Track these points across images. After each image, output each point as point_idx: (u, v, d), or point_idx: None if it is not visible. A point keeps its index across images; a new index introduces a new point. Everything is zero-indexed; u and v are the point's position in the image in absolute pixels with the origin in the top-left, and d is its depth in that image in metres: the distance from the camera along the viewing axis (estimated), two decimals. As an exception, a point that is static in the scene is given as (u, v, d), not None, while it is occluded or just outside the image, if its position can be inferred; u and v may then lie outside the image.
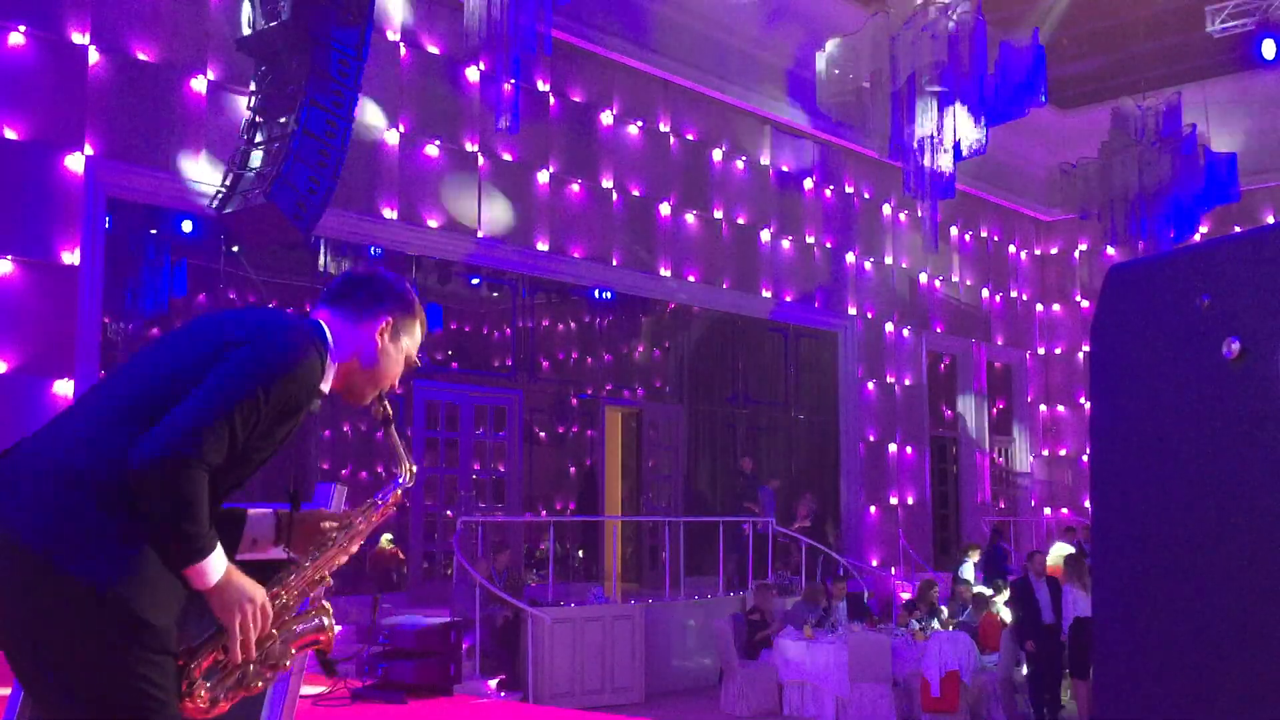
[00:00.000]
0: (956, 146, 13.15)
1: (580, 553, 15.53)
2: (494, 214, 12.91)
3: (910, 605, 12.96)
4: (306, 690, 6.13)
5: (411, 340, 2.64)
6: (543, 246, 13.37)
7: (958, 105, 12.89)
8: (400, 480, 2.68)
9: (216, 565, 2.25)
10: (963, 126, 12.92)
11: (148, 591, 2.18)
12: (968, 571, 14.59)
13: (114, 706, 2.15)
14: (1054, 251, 21.48)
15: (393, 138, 12.04)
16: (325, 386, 2.51)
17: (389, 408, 2.69)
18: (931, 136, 13.11)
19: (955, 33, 12.84)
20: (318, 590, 2.55)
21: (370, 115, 11.66)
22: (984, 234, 20.22)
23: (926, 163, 13.18)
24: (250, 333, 2.35)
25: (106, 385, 2.43)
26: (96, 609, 2.13)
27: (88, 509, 2.17)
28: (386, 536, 14.38)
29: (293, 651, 2.47)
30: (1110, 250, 18.48)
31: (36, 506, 2.18)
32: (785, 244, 16.45)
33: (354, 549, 2.60)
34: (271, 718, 3.75)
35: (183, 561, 2.21)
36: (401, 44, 12.19)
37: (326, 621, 2.53)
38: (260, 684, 2.40)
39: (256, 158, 9.51)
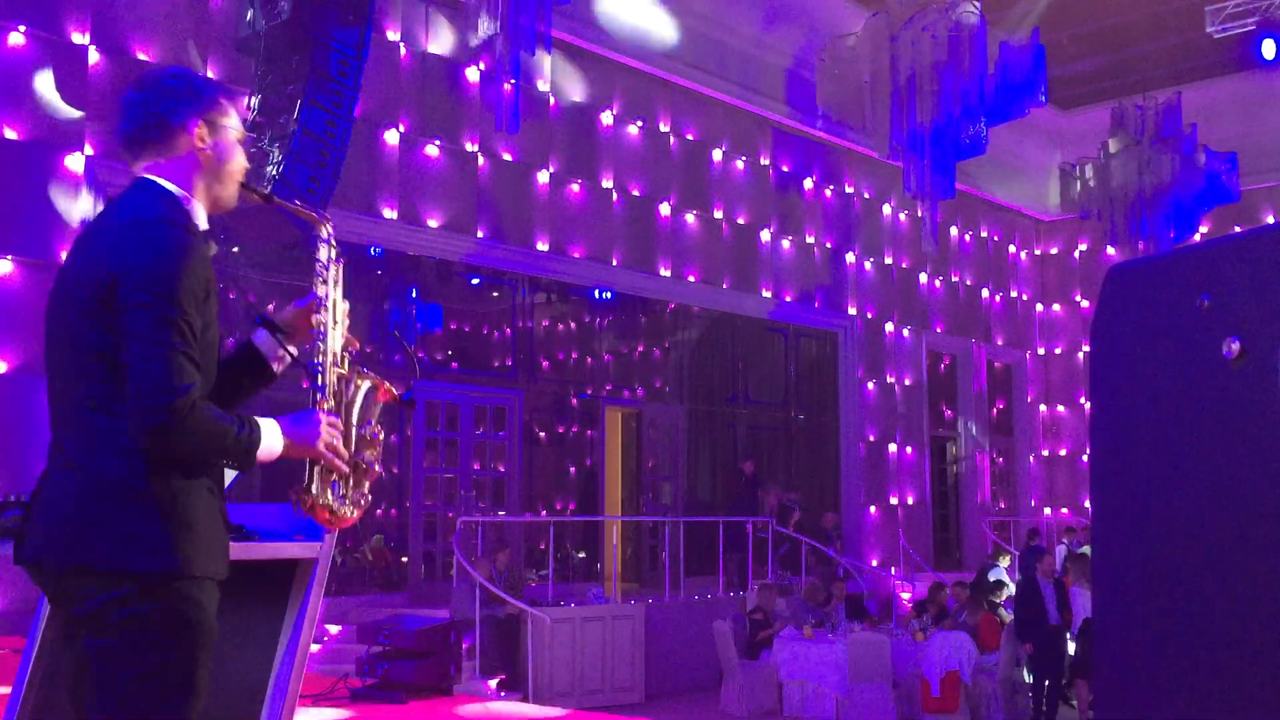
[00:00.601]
0: (957, 146, 13.15)
1: (580, 554, 15.52)
2: (494, 214, 12.91)
3: (920, 606, 12.96)
4: (306, 690, 6.13)
5: (229, 118, 2.51)
6: (543, 246, 13.37)
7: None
8: (324, 237, 2.64)
9: (272, 439, 2.35)
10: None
11: (201, 555, 2.29)
12: (1000, 574, 14.50)
13: (169, 695, 2.27)
14: (1054, 251, 21.48)
15: (393, 138, 12.04)
16: (202, 223, 2.45)
17: (259, 189, 2.66)
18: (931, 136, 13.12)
19: (955, 33, 12.84)
20: (347, 373, 2.61)
21: (370, 115, 11.65)
22: (984, 234, 20.22)
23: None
24: (121, 253, 2.27)
25: (51, 387, 2.41)
26: (165, 591, 2.24)
27: (107, 510, 2.24)
28: (378, 536, 14.36)
29: (373, 423, 2.60)
30: (1110, 250, 18.47)
31: (64, 529, 2.26)
32: (785, 244, 16.45)
33: (341, 318, 2.62)
34: (271, 717, 3.75)
35: (248, 462, 2.32)
36: (401, 44, 12.19)
37: (372, 382, 2.62)
38: (377, 466, 2.58)
39: (256, 157, 9.50)
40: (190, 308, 2.24)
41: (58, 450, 2.35)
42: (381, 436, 2.62)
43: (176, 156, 2.44)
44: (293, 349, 2.64)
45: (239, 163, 2.53)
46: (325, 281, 2.62)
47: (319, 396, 2.53)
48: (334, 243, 2.67)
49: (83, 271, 2.33)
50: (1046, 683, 10.88)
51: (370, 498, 2.59)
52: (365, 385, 2.61)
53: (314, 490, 2.49)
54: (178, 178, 2.43)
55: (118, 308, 2.24)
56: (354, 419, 2.57)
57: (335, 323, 2.60)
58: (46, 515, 2.30)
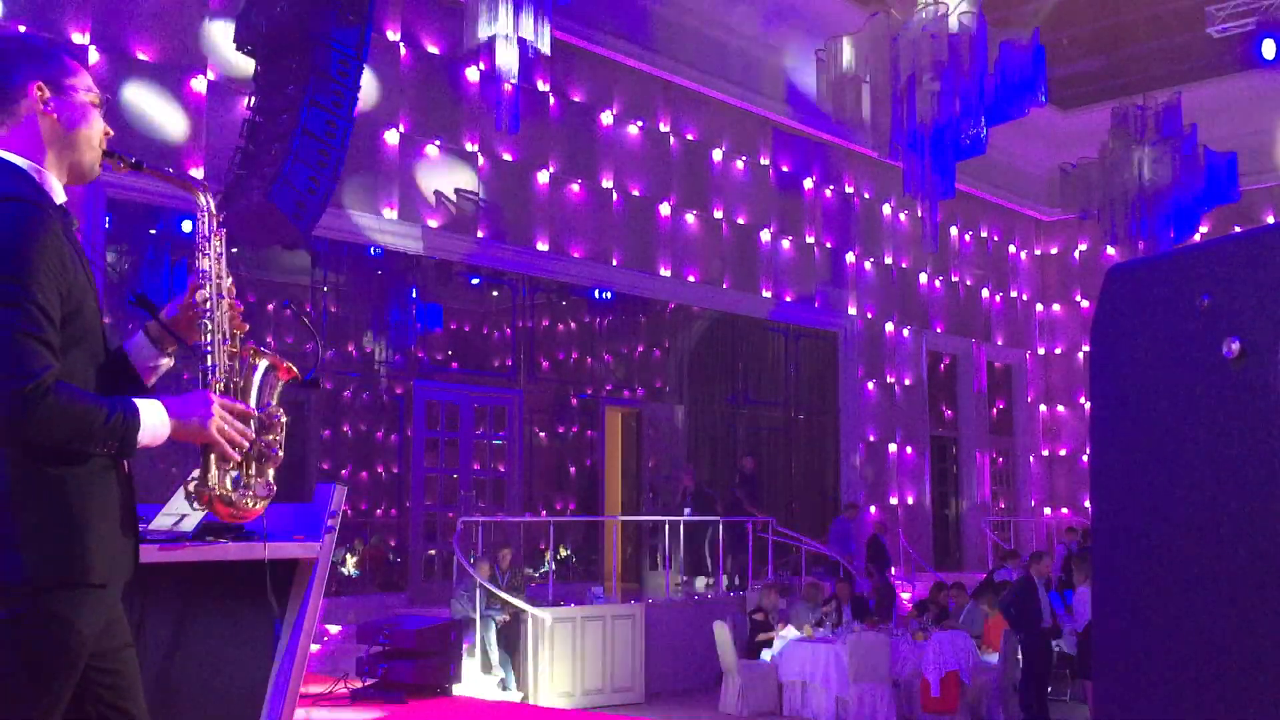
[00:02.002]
0: (956, 146, 13.15)
1: (569, 555, 15.51)
2: (494, 214, 12.91)
3: (921, 606, 12.95)
4: (307, 690, 6.13)
5: (78, 79, 2.26)
6: (543, 246, 13.38)
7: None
8: (202, 206, 2.45)
9: (156, 418, 2.15)
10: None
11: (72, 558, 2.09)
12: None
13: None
14: (1054, 251, 21.48)
15: (393, 138, 12.04)
16: (59, 196, 2.24)
17: (127, 157, 2.41)
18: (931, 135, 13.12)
19: (955, 33, 12.84)
20: (239, 350, 2.43)
21: (370, 115, 11.65)
22: (984, 234, 20.22)
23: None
24: None
25: None
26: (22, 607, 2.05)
27: None
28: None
29: (273, 404, 2.42)
30: (1110, 250, 18.47)
31: None
32: (785, 244, 16.45)
33: (228, 287, 2.42)
34: (271, 717, 3.75)
35: (128, 447, 2.11)
36: (401, 44, 12.19)
37: (269, 360, 2.45)
38: (278, 450, 2.40)
39: (256, 157, 9.50)
40: (42, 288, 2.03)
41: None
42: (284, 418, 2.42)
43: (17, 124, 2.21)
44: (186, 340, 2.43)
45: (94, 127, 2.29)
46: (205, 255, 2.42)
47: (209, 378, 2.33)
48: (213, 211, 2.47)
49: None
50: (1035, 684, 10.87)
51: (275, 487, 2.39)
52: (263, 364, 2.43)
53: (210, 480, 2.29)
54: (22, 148, 2.20)
55: None
56: (251, 400, 2.38)
57: (221, 297, 2.40)
58: None
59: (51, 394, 2.01)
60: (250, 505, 2.34)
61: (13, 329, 2.00)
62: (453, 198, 12.47)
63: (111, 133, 2.37)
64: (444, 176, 12.55)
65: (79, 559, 2.09)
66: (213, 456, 2.28)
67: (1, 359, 1.98)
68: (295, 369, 2.50)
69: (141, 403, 2.15)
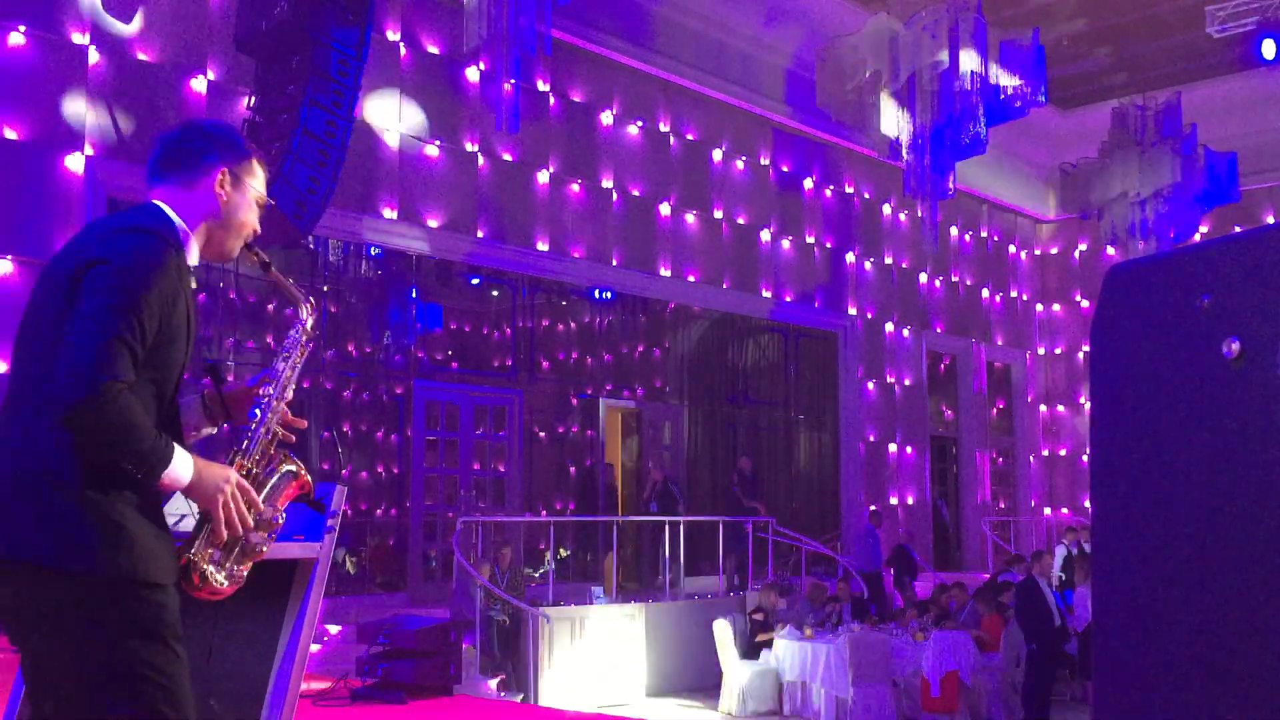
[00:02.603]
0: (957, 146, 13.15)
1: (574, 556, 15.52)
2: (494, 214, 12.91)
3: (923, 607, 12.93)
4: (306, 689, 6.13)
5: (254, 179, 2.58)
6: (543, 246, 13.37)
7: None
8: (303, 319, 2.69)
9: (183, 466, 2.28)
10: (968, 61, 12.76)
11: (143, 557, 2.23)
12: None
13: (126, 692, 2.20)
14: (1054, 251, 21.48)
15: (393, 138, 12.04)
16: (193, 259, 2.48)
17: (262, 254, 2.68)
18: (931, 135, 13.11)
19: (955, 33, 12.84)
20: (272, 449, 2.59)
21: (370, 115, 11.65)
22: (984, 234, 20.22)
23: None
24: (102, 247, 2.29)
25: (11, 369, 2.42)
26: (104, 593, 2.19)
27: (48, 500, 2.20)
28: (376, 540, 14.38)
29: (280, 508, 2.55)
30: (1110, 250, 18.48)
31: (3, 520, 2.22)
32: (785, 244, 16.45)
33: (289, 396, 2.62)
34: (271, 717, 3.75)
35: (150, 476, 2.23)
36: (401, 44, 12.19)
37: (295, 468, 2.59)
38: (264, 548, 2.50)
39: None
40: (147, 307, 2.23)
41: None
42: (280, 522, 2.55)
43: (190, 192, 2.50)
44: (234, 421, 2.62)
45: (249, 222, 2.57)
46: (286, 360, 2.64)
47: (240, 458, 2.49)
48: (310, 329, 2.69)
49: (62, 263, 2.35)
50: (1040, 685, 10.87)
51: (244, 580, 2.47)
52: (285, 469, 2.57)
53: (195, 548, 2.37)
54: (185, 212, 2.48)
55: (88, 278, 2.24)
56: (262, 495, 2.50)
57: (280, 401, 2.58)
58: None
59: (119, 398, 2.16)
60: (221, 585, 2.42)
61: (115, 332, 2.18)
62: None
63: (259, 232, 2.61)
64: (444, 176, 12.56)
65: (119, 553, 2.21)
66: (206, 527, 2.38)
67: (95, 353, 2.15)
68: (310, 486, 2.65)
69: (178, 448, 2.29)
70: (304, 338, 2.67)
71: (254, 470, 2.51)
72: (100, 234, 2.34)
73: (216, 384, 2.62)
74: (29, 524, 2.19)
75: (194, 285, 2.43)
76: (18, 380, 2.33)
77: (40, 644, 2.24)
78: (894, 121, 13.27)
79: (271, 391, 2.58)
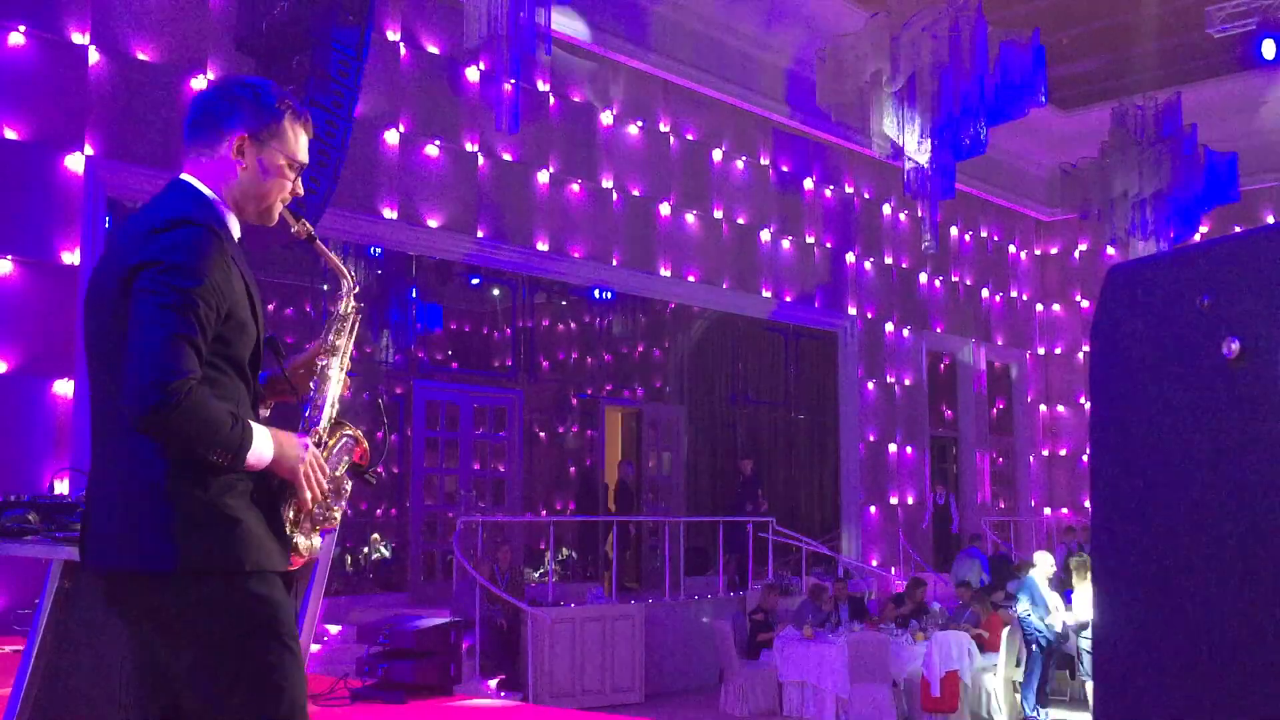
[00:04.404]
0: (957, 145, 13.15)
1: (572, 552, 15.52)
2: (494, 214, 12.91)
3: (898, 599, 12.93)
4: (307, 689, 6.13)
5: (282, 141, 2.50)
6: (543, 246, 13.37)
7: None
8: (344, 292, 2.72)
9: (264, 446, 2.31)
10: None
11: (256, 548, 2.30)
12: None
13: (254, 688, 2.27)
14: (1054, 251, 21.48)
15: (393, 138, 12.04)
16: (236, 231, 2.47)
17: (307, 224, 2.68)
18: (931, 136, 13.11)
19: (955, 33, 12.83)
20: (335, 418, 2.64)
21: (370, 115, 11.65)
22: (984, 234, 20.22)
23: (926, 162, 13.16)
24: (146, 248, 2.28)
25: (93, 386, 2.44)
26: (224, 590, 2.26)
27: (155, 508, 2.25)
28: (374, 536, 14.38)
29: (344, 474, 2.59)
30: (1110, 250, 18.47)
31: (107, 532, 2.30)
32: (785, 244, 16.45)
33: (349, 365, 2.67)
34: (271, 718, 3.74)
35: (237, 462, 2.26)
36: (401, 44, 12.19)
37: (354, 434, 2.63)
38: (337, 514, 2.55)
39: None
40: (204, 299, 2.24)
41: (99, 449, 2.37)
42: (348, 488, 2.59)
43: (214, 160, 2.46)
44: (298, 393, 2.66)
45: (277, 188, 2.52)
46: (341, 333, 2.67)
47: (311, 428, 2.54)
48: (355, 300, 2.73)
49: (109, 270, 2.35)
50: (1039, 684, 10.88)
51: (319, 546, 2.53)
52: (347, 433, 2.62)
53: (290, 521, 2.45)
54: (213, 181, 2.46)
55: (132, 300, 2.25)
56: (329, 459, 2.56)
57: (341, 370, 2.64)
58: (96, 518, 2.34)
59: (190, 395, 2.18)
60: (303, 549, 2.48)
61: (173, 330, 2.19)
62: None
63: (301, 192, 2.58)
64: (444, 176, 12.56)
65: (231, 549, 2.27)
66: (290, 497, 2.43)
67: (157, 355, 2.17)
68: (368, 453, 2.67)
69: (256, 426, 2.31)
70: (350, 309, 2.69)
71: (324, 439, 2.55)
72: (143, 232, 2.32)
73: (278, 359, 2.62)
74: (146, 534, 2.24)
75: (244, 254, 2.44)
76: (99, 397, 2.37)
77: (165, 648, 2.29)
78: (894, 121, 13.27)
79: (330, 362, 2.62)
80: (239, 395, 2.35)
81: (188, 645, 2.26)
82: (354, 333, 2.70)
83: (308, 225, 2.68)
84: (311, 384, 2.62)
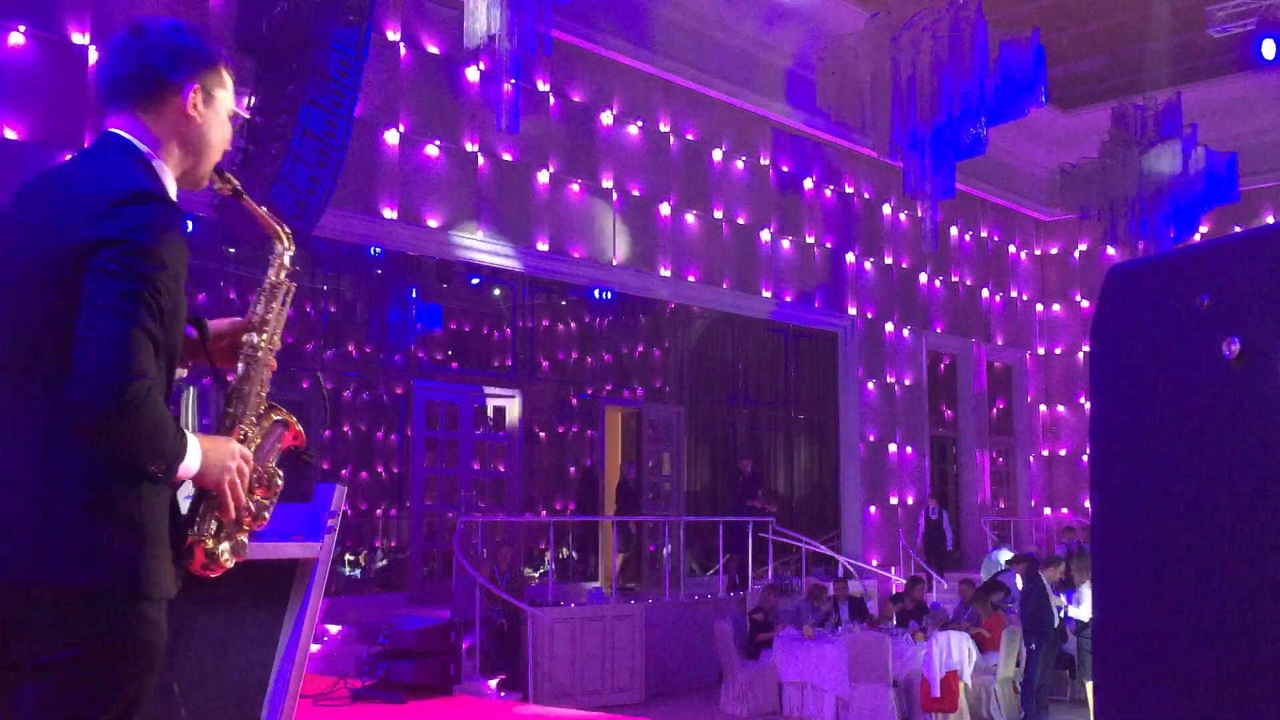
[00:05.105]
0: (957, 146, 13.15)
1: (574, 553, 15.52)
2: (496, 214, 12.91)
3: (896, 598, 12.93)
4: (307, 690, 6.13)
5: (225, 90, 2.28)
6: (543, 246, 13.38)
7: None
8: (277, 253, 2.46)
9: (193, 457, 2.11)
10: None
11: (159, 570, 2.09)
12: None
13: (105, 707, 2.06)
14: (1054, 251, 21.48)
15: (393, 138, 12.04)
16: (173, 193, 2.22)
17: (233, 179, 2.42)
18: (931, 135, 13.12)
19: (955, 33, 12.84)
20: (264, 402, 2.41)
21: (370, 115, 11.65)
22: (984, 234, 20.22)
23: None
24: (107, 223, 2.02)
25: None
26: (116, 609, 2.05)
27: (71, 517, 2.02)
28: (377, 546, 14.39)
29: (275, 466, 2.38)
30: (1110, 250, 18.47)
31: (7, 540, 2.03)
32: (785, 244, 16.46)
33: (278, 344, 2.42)
34: (271, 718, 3.75)
35: (170, 474, 2.07)
36: (401, 44, 12.19)
37: (285, 418, 2.42)
38: (267, 513, 2.34)
39: (256, 157, 9.50)
40: (166, 291, 2.03)
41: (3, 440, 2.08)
42: (279, 482, 2.36)
43: (159, 115, 2.22)
44: (219, 367, 2.41)
45: (222, 140, 2.32)
46: (269, 302, 2.42)
47: (235, 425, 2.32)
48: (288, 262, 2.47)
49: (43, 235, 2.08)
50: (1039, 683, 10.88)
51: (249, 547, 2.32)
52: (275, 419, 2.40)
53: (196, 526, 2.22)
54: (152, 140, 2.21)
55: (89, 276, 2.00)
56: (257, 453, 2.34)
57: (270, 349, 2.40)
58: None
59: (152, 398, 1.99)
60: (225, 560, 2.27)
61: (137, 322, 1.98)
62: None
63: (230, 148, 2.37)
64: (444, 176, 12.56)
65: (147, 572, 2.07)
66: (205, 503, 2.23)
67: (122, 351, 1.95)
68: (303, 436, 2.46)
69: (187, 434, 2.11)
70: (283, 278, 2.44)
71: (249, 433, 2.34)
72: (98, 202, 2.05)
73: (202, 337, 2.38)
74: (53, 544, 2.00)
75: (186, 233, 2.19)
76: (4, 382, 2.08)
77: (30, 663, 2.03)
78: (894, 121, 13.27)
79: (258, 340, 2.38)
80: (166, 396, 2.10)
81: (59, 665, 2.01)
82: (286, 305, 2.44)
83: (233, 180, 2.43)
84: (239, 366, 2.37)
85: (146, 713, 2.11)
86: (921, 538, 17.20)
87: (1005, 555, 14.82)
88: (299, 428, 2.45)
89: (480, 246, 12.82)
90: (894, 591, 14.01)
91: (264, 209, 2.51)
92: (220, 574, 2.28)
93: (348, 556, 13.54)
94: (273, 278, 2.44)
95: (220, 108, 2.29)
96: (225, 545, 2.26)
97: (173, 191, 2.24)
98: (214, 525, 2.24)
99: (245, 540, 2.31)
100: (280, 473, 2.39)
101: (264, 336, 2.39)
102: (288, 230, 2.51)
